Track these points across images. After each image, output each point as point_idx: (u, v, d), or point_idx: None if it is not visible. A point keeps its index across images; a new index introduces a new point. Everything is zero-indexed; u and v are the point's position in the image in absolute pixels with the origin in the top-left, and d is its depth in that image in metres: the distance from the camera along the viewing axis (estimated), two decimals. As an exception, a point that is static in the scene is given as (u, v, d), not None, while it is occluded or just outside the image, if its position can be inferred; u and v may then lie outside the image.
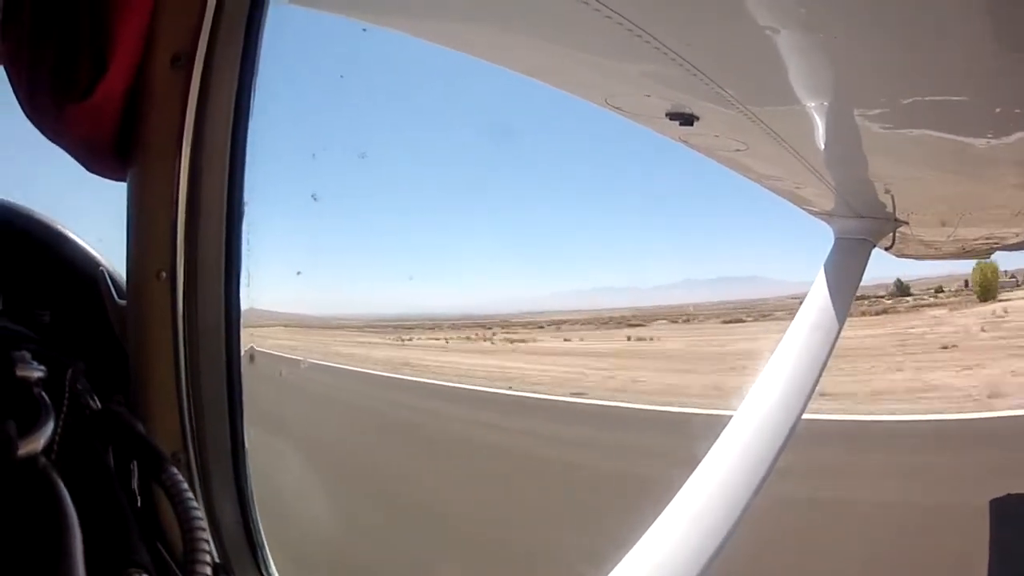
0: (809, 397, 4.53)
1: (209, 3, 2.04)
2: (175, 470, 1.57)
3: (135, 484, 1.70)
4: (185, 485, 1.54)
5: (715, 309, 44.73)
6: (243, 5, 2.12)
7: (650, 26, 2.57)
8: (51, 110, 1.93)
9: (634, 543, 3.87)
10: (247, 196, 2.19)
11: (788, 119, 3.58)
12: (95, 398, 1.71)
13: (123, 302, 2.13)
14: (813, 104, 3.33)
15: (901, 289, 41.56)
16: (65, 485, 1.27)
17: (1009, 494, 11.52)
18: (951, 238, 7.39)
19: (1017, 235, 7.27)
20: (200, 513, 1.48)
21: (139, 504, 1.69)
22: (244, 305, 2.23)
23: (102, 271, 2.17)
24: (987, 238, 7.63)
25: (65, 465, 1.37)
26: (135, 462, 1.69)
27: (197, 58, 2.06)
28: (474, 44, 3.16)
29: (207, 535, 1.44)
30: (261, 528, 2.35)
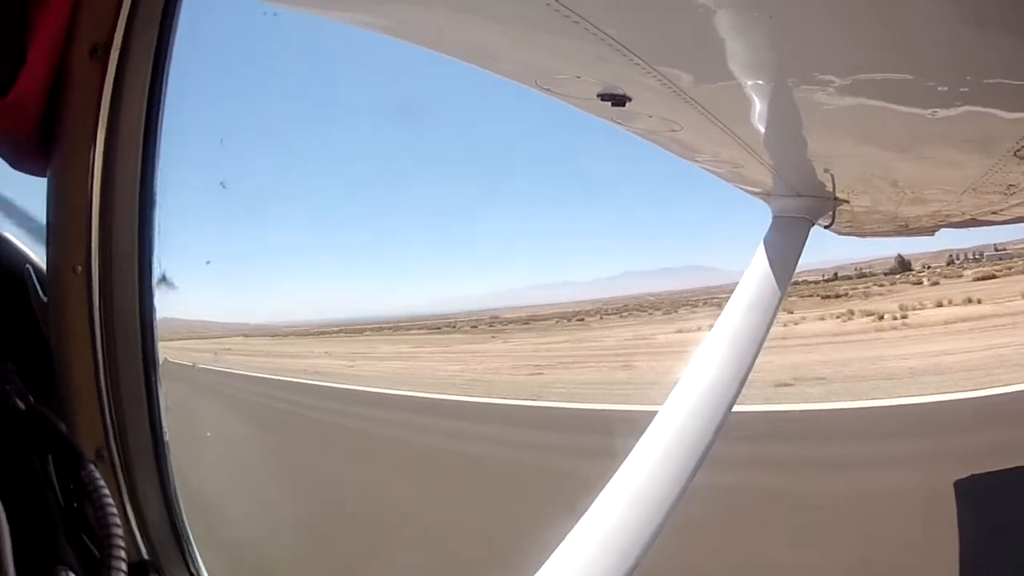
0: (746, 376, 4.54)
1: None
2: (93, 468, 1.57)
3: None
4: (102, 483, 1.54)
5: (678, 297, 44.65)
6: (159, -6, 2.10)
7: (577, 5, 2.55)
8: None
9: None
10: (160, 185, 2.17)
11: (721, 98, 3.57)
12: (27, 398, 1.70)
13: (47, 298, 2.11)
14: (746, 83, 3.31)
15: (903, 265, 41.63)
16: None
17: (973, 475, 11.68)
18: (893, 216, 7.43)
19: (963, 213, 7.28)
20: (113, 510, 1.48)
21: (72, 499, 1.67)
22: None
23: (28, 268, 2.14)
24: (932, 216, 7.65)
25: None
26: (58, 461, 1.68)
27: (113, 48, 2.03)
28: (397, 25, 3.12)
29: (121, 531, 1.44)
30: (186, 521, 2.33)
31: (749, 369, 4.60)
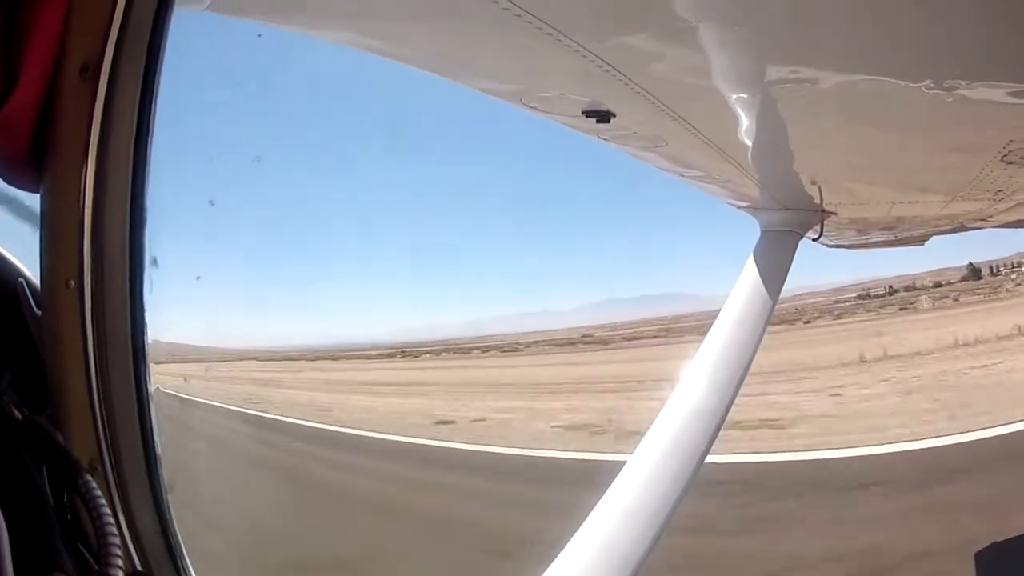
0: (738, 387, 4.56)
1: (117, 12, 2.05)
2: (90, 479, 1.59)
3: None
4: (99, 494, 1.56)
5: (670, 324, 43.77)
6: (148, 15, 2.13)
7: (561, 24, 2.59)
8: None
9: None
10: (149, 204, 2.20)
11: (705, 113, 3.60)
12: (21, 408, 1.72)
13: (40, 312, 2.13)
14: (730, 97, 3.34)
15: (974, 273, 40.63)
16: None
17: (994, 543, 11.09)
18: (882, 226, 7.44)
19: (952, 220, 7.27)
20: (111, 520, 1.50)
21: (66, 509, 1.69)
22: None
23: (21, 282, 2.17)
24: (921, 225, 7.66)
25: None
26: (55, 472, 1.69)
27: (104, 68, 2.06)
28: (382, 45, 3.16)
29: (118, 541, 1.46)
30: (178, 533, 2.36)
31: (741, 380, 4.62)
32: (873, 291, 41.62)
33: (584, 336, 42.26)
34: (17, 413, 1.72)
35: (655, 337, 38.26)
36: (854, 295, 41.84)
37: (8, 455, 1.56)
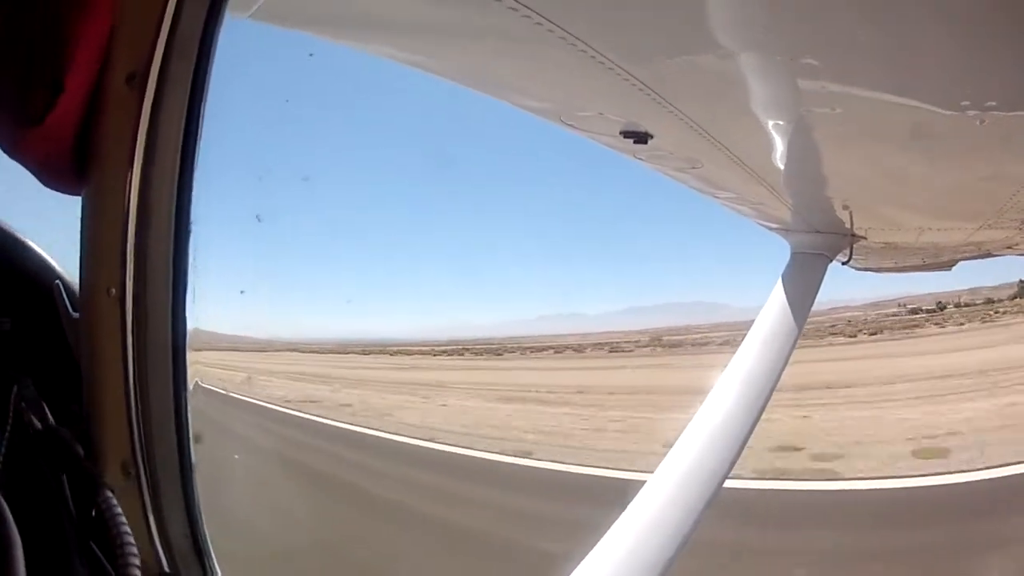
0: (761, 412, 4.56)
1: (164, 22, 2.06)
2: (110, 494, 1.60)
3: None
4: (119, 509, 1.56)
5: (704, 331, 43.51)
6: (197, 25, 2.13)
7: (602, 46, 2.60)
8: (8, 131, 1.94)
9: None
10: (195, 215, 2.21)
11: (741, 136, 3.61)
12: (43, 414, 1.73)
13: (77, 315, 2.14)
14: (766, 121, 3.36)
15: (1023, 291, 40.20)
16: (8, 503, 1.29)
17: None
18: (911, 252, 7.42)
19: (979, 247, 7.26)
20: (129, 534, 1.50)
21: (88, 522, 1.69)
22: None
23: (58, 283, 2.17)
24: (948, 251, 7.63)
25: (8, 483, 1.39)
26: (74, 482, 1.70)
27: (151, 76, 2.07)
28: (430, 62, 3.18)
29: (138, 561, 1.46)
30: (208, 538, 2.37)
31: (767, 401, 4.62)
32: (922, 307, 41.49)
33: (654, 340, 42.03)
34: (38, 422, 1.72)
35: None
36: (891, 310, 41.67)
37: (25, 466, 1.56)
